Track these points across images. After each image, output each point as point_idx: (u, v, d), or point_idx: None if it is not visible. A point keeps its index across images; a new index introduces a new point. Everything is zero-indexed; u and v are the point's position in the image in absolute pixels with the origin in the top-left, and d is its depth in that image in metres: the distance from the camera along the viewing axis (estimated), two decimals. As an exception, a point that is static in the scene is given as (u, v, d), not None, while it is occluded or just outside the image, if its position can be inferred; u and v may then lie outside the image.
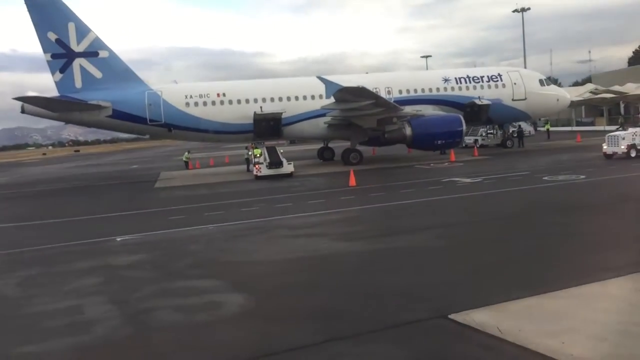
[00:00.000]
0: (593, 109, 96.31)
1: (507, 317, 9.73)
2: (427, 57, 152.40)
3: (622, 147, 34.86)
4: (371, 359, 8.82)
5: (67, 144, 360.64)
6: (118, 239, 20.52)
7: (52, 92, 46.05)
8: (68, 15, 45.95)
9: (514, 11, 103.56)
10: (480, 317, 9.81)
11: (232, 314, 11.34)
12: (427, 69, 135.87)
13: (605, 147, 36.12)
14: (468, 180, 30.36)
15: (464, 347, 8.84)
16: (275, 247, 17.76)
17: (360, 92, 39.72)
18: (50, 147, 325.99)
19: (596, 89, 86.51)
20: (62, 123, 50.23)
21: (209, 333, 10.36)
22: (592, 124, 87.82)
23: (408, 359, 8.73)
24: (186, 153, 60.97)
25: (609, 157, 35.62)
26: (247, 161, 48.91)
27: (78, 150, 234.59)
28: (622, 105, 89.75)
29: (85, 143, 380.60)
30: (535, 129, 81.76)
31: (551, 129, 75.26)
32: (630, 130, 36.45)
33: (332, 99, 41.71)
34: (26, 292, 14.28)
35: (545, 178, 28.85)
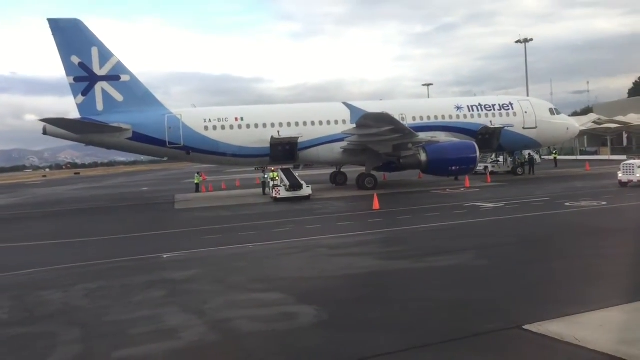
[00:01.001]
0: (595, 138, 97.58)
1: (581, 328, 10.41)
2: (428, 85, 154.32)
3: (638, 175, 35.74)
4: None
5: (64, 167, 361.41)
6: (164, 256, 21.19)
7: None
8: (91, 40, 47.00)
9: (517, 42, 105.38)
10: (554, 328, 10.50)
11: (310, 324, 11.99)
12: (428, 96, 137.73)
13: (620, 175, 37.02)
14: (490, 205, 31.14)
15: (549, 354, 9.53)
16: (323, 264, 18.42)
17: (382, 118, 40.68)
18: (47, 170, 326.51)
19: (599, 119, 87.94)
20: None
21: (294, 340, 11.03)
22: (596, 153, 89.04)
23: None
24: (197, 175, 61.45)
25: (624, 185, 36.49)
26: (264, 184, 49.66)
27: (78, 173, 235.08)
28: (624, 136, 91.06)
29: (83, 166, 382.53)
30: (540, 157, 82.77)
31: (550, 157, 76.28)
32: (645, 159, 37.40)
33: (352, 125, 42.58)
34: (97, 303, 14.91)
35: (567, 204, 29.65)
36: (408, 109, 50.75)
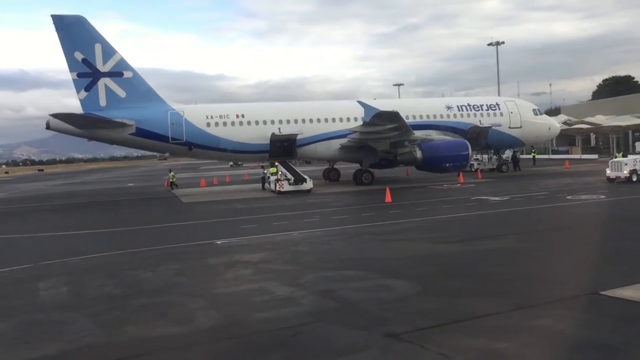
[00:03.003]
0: (564, 138, 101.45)
1: (654, 291, 12.45)
2: (399, 85, 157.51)
3: (625, 172, 38.47)
4: (564, 321, 11.31)
5: (22, 163, 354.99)
6: (219, 242, 22.66)
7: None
8: (95, 37, 47.74)
9: (489, 44, 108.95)
10: (628, 293, 12.51)
11: (410, 293, 13.73)
12: (399, 96, 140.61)
13: (608, 171, 39.71)
14: (497, 198, 33.33)
15: (629, 311, 11.49)
16: (381, 248, 20.18)
17: (393, 117, 42.62)
18: (4, 166, 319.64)
19: (569, 120, 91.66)
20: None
21: (406, 305, 12.75)
22: (567, 152, 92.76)
23: (585, 322, 11.19)
24: (171, 173, 58.85)
25: (611, 181, 39.15)
26: (263, 179, 51.12)
27: (42, 170, 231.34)
28: (592, 136, 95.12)
29: (40, 162, 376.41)
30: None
31: (529, 156, 79.35)
32: (631, 157, 40.14)
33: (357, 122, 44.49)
34: (195, 280, 16.40)
35: (569, 197, 32.04)
36: (400, 108, 52.56)
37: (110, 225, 30.42)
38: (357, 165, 59.54)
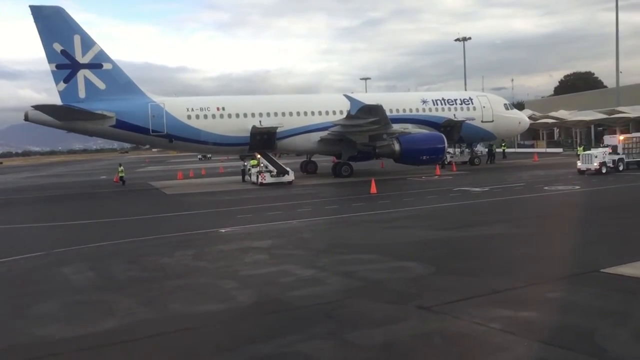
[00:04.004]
0: (528, 132, 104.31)
1: (650, 269, 13.82)
2: (366, 79, 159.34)
3: (595, 164, 40.41)
4: (576, 293, 12.54)
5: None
6: (222, 230, 23.43)
7: None
8: (74, 28, 47.60)
9: (456, 40, 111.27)
10: (627, 270, 13.87)
11: (425, 273, 14.84)
12: (365, 90, 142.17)
13: (579, 164, 41.62)
14: (477, 189, 34.74)
15: (631, 285, 12.81)
16: (383, 234, 21.28)
17: (377, 110, 43.71)
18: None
19: (533, 115, 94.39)
20: None
21: (427, 283, 13.84)
22: (532, 146, 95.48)
23: (595, 295, 12.43)
24: (120, 168, 57.21)
25: (582, 172, 41.03)
26: (243, 172, 51.75)
27: (1, 163, 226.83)
28: (556, 130, 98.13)
29: None
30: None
31: (499, 150, 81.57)
32: (601, 149, 42.12)
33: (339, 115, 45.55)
34: (215, 264, 17.22)
35: (546, 188, 33.67)
36: (380, 102, 53.73)
37: (104, 215, 30.81)
38: (329, 158, 61.14)
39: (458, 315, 11.14)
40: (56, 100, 47.71)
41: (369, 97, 52.02)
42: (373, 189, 35.54)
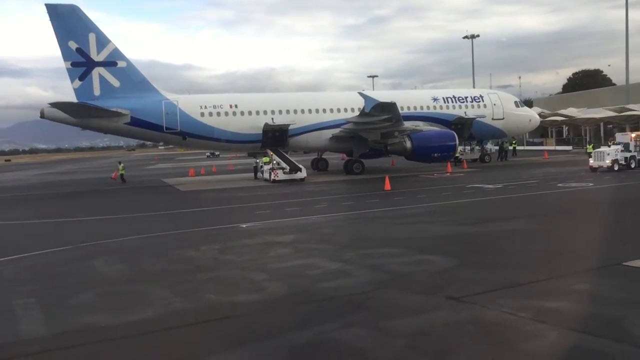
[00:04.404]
0: (537, 130, 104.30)
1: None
2: (373, 77, 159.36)
3: (607, 161, 40.66)
4: (600, 285, 12.88)
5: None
6: (243, 226, 23.85)
7: None
8: (89, 26, 48.16)
9: (464, 37, 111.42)
10: (649, 263, 14.20)
11: (450, 266, 15.18)
12: (373, 88, 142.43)
13: (592, 161, 41.88)
14: (491, 186, 35.05)
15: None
16: (402, 229, 21.65)
17: (389, 108, 44.08)
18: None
19: (542, 112, 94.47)
20: None
21: (453, 275, 14.20)
22: (541, 144, 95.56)
23: (619, 286, 12.76)
24: (120, 165, 56.47)
25: (594, 170, 41.28)
26: (255, 169, 52.22)
27: (9, 160, 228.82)
28: (565, 128, 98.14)
29: (2, 153, 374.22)
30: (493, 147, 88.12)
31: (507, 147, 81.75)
32: (614, 147, 42.33)
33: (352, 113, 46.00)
34: (242, 257, 17.60)
35: (559, 185, 33.95)
36: (391, 99, 54.15)
37: (121, 211, 31.30)
38: (338, 155, 61.69)
39: (487, 305, 11.50)
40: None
41: (381, 95, 52.33)
42: (387, 185, 35.86)
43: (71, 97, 47.96)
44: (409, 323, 10.69)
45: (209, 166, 75.69)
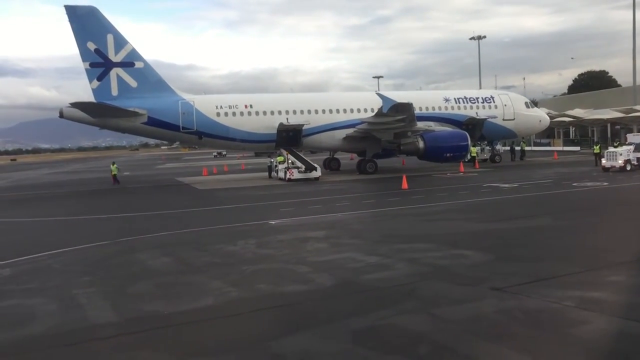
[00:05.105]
0: (544, 130, 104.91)
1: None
2: (379, 77, 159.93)
3: (620, 161, 41.30)
4: (635, 277, 13.53)
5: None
6: (272, 222, 24.51)
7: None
8: (107, 27, 48.91)
9: (471, 38, 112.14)
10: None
11: (485, 260, 15.79)
12: (378, 88, 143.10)
13: (604, 161, 42.51)
14: (507, 185, 35.68)
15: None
16: (430, 226, 22.29)
17: (407, 108, 44.77)
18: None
19: (549, 113, 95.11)
20: None
21: (491, 268, 14.82)
22: (549, 144, 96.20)
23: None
24: (114, 165, 55.16)
25: (606, 170, 41.91)
26: (270, 168, 52.96)
27: (15, 159, 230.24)
28: (572, 129, 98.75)
29: (7, 152, 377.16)
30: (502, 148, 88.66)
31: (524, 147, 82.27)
32: (625, 147, 42.95)
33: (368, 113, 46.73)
34: (280, 252, 18.25)
35: (575, 184, 34.56)
36: (405, 100, 54.84)
37: (146, 209, 31.96)
38: (348, 155, 62.44)
39: (530, 295, 12.13)
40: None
41: (397, 95, 52.94)
42: (404, 184, 36.50)
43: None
44: (461, 310, 11.34)
45: (218, 165, 76.44)
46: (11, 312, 12.64)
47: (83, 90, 50.96)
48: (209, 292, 13.57)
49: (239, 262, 16.90)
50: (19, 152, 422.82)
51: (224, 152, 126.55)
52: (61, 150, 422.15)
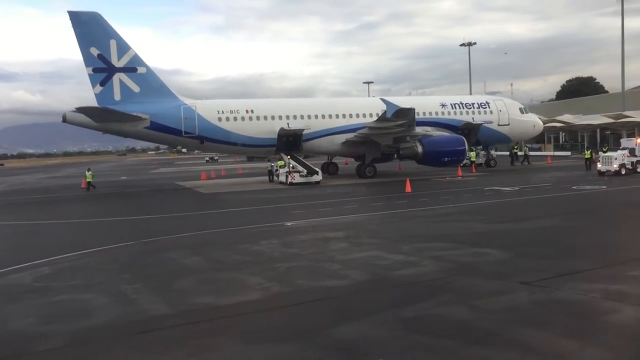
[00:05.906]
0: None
1: None
2: (369, 83, 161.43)
3: (615, 165, 42.48)
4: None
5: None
6: (288, 224, 25.24)
7: None
8: (110, 33, 49.50)
9: (461, 45, 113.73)
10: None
11: (508, 257, 16.63)
12: (368, 94, 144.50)
13: (599, 165, 43.68)
14: (508, 188, 36.64)
15: None
16: (444, 227, 23.09)
17: (408, 113, 45.69)
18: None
19: (540, 119, 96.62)
20: None
21: (514, 264, 15.65)
22: (539, 149, 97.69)
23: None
24: (89, 172, 53.73)
25: (602, 174, 43.05)
26: (270, 172, 53.67)
27: (2, 164, 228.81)
28: (562, 134, 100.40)
29: None
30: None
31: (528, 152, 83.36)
32: (620, 152, 44.13)
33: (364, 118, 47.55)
34: (306, 251, 18.98)
35: (574, 187, 35.62)
36: (403, 105, 55.83)
37: (160, 211, 32.62)
38: (340, 160, 63.38)
39: (558, 288, 12.97)
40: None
41: (398, 101, 53.87)
42: (408, 188, 37.36)
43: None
44: (497, 301, 12.16)
45: (216, 170, 76.94)
46: (69, 306, 13.27)
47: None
48: (251, 287, 14.29)
49: (270, 260, 17.63)
50: (4, 157, 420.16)
51: (216, 157, 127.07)
52: (46, 155, 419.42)
